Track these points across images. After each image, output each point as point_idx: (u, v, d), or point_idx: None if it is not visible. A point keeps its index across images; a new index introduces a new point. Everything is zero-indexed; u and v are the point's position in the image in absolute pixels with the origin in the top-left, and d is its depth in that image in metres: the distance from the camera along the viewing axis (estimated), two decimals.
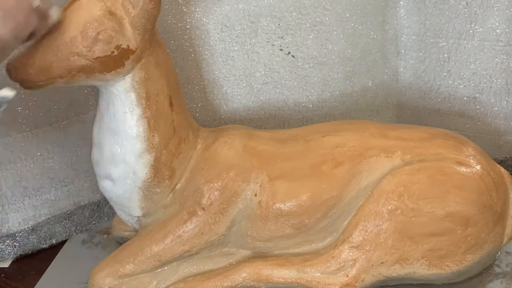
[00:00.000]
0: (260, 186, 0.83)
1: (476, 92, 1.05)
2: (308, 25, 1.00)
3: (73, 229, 1.02)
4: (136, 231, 0.90)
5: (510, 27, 0.98)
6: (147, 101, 0.80)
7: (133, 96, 0.79)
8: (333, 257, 0.82)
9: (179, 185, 0.86)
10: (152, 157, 0.82)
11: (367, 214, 0.81)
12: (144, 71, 0.79)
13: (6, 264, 0.97)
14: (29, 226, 0.98)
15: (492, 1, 0.98)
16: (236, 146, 0.86)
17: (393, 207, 0.80)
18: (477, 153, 0.85)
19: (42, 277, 0.93)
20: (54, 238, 1.01)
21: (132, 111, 0.79)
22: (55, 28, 0.73)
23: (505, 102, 1.04)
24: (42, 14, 0.69)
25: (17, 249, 0.98)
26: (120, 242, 0.95)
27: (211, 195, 0.83)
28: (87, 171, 1.00)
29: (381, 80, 1.10)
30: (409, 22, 1.06)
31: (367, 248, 0.81)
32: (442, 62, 1.06)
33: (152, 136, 0.81)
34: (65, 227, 1.02)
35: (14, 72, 0.72)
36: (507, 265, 0.87)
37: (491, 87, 1.04)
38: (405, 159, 0.83)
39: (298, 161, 0.85)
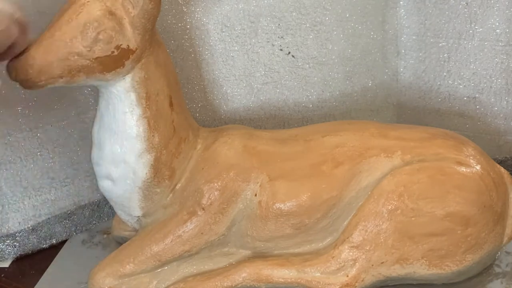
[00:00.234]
0: (260, 186, 0.83)
1: (476, 92, 1.05)
2: (308, 25, 1.00)
3: (73, 229, 1.03)
4: (136, 231, 0.90)
5: (510, 27, 0.98)
6: (147, 101, 0.80)
7: (133, 96, 0.79)
8: (333, 257, 0.82)
9: (179, 185, 0.86)
10: (152, 157, 0.82)
11: (367, 214, 0.81)
12: (144, 71, 0.79)
13: (6, 264, 0.97)
14: (29, 226, 0.98)
15: (492, 1, 0.98)
16: (236, 146, 0.86)
17: (393, 207, 0.80)
18: (477, 153, 0.85)
19: (42, 277, 0.93)
20: (54, 238, 1.01)
21: (132, 111, 0.79)
22: (55, 28, 0.73)
23: (505, 102, 1.04)
24: (22, 27, 0.69)
25: (17, 249, 0.98)
26: (120, 242, 0.95)
27: (211, 195, 0.83)
28: (87, 171, 1.00)
29: (381, 80, 1.10)
30: (409, 22, 1.06)
31: (367, 248, 0.81)
32: (442, 62, 1.06)
33: (152, 136, 0.81)
34: (65, 227, 1.02)
35: (14, 72, 0.72)
36: (507, 265, 0.87)
37: (491, 87, 1.04)
38: (405, 159, 0.83)
39: (298, 161, 0.85)
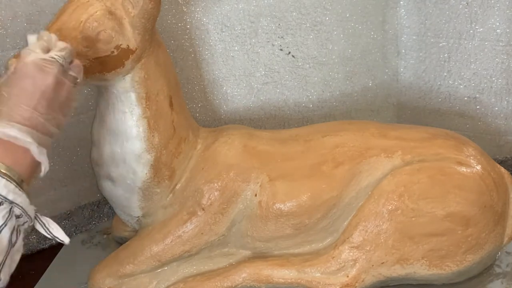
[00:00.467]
0: (260, 186, 0.83)
1: (477, 92, 1.05)
2: (308, 25, 1.00)
3: (73, 229, 1.02)
4: (136, 231, 0.90)
5: (511, 27, 0.98)
6: (147, 101, 0.80)
7: (133, 96, 0.79)
8: (333, 257, 0.82)
9: (179, 185, 0.86)
10: (152, 157, 0.82)
11: (367, 214, 0.81)
12: (144, 71, 0.79)
13: None
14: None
15: (492, 1, 0.98)
16: (236, 146, 0.86)
17: (393, 207, 0.80)
18: (478, 153, 0.85)
19: (42, 277, 0.93)
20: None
21: (132, 111, 0.79)
22: (55, 28, 0.73)
23: (505, 102, 1.04)
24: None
25: None
26: (120, 242, 0.95)
27: (211, 195, 0.83)
28: (87, 171, 1.00)
29: (381, 80, 1.10)
30: (409, 22, 1.06)
31: (367, 248, 0.81)
32: (443, 62, 1.06)
33: (152, 136, 0.81)
34: (65, 227, 1.01)
35: None
36: (507, 265, 0.87)
37: (491, 87, 1.04)
38: (406, 159, 0.83)
39: (298, 161, 0.85)
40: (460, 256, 0.81)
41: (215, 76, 1.02)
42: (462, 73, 1.05)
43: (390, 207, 0.80)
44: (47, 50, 0.66)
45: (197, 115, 1.04)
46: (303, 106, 1.06)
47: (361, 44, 1.05)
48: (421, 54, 1.07)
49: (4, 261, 0.58)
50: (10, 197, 0.60)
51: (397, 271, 0.81)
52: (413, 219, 0.80)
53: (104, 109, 0.81)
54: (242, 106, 1.05)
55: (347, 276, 0.81)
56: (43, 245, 1.00)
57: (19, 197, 0.61)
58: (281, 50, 1.02)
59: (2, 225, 0.58)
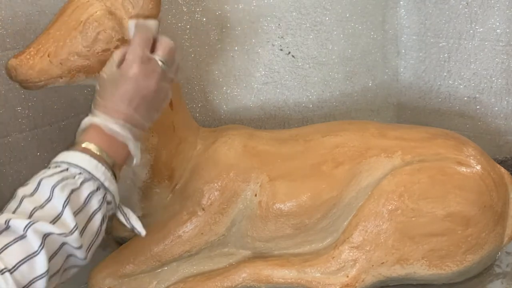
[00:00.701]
0: (260, 186, 0.83)
1: (476, 92, 1.05)
2: (308, 25, 1.00)
3: None
4: None
5: (511, 27, 0.98)
6: None
7: None
8: (333, 257, 0.82)
9: (179, 185, 0.86)
10: (151, 157, 0.82)
11: (367, 214, 0.81)
12: None
13: None
14: None
15: (492, 1, 0.98)
16: (236, 146, 0.86)
17: (393, 207, 0.80)
18: (478, 153, 0.85)
19: None
20: None
21: None
22: (55, 28, 0.73)
23: (505, 102, 1.04)
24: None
25: None
26: (120, 242, 0.95)
27: (211, 195, 0.83)
28: None
29: (381, 80, 1.10)
30: (409, 22, 1.06)
31: (367, 248, 0.81)
32: (442, 62, 1.06)
33: (152, 136, 0.81)
34: None
35: (15, 73, 0.72)
36: (507, 265, 0.87)
37: (491, 87, 1.04)
38: (406, 159, 0.83)
39: (298, 161, 0.85)
40: (460, 256, 0.81)
41: (215, 76, 1.02)
42: (462, 73, 1.05)
43: (390, 207, 0.80)
44: (151, 42, 0.70)
45: (197, 115, 1.04)
46: (303, 106, 1.06)
47: (361, 44, 1.05)
48: (421, 54, 1.07)
49: (93, 243, 0.63)
50: (106, 184, 0.64)
51: (397, 271, 0.81)
52: (413, 219, 0.80)
53: None
54: (242, 106, 1.05)
55: (347, 276, 0.81)
56: None
57: (112, 185, 0.65)
58: (281, 50, 1.01)
59: (96, 209, 0.63)
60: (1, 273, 0.53)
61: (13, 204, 0.59)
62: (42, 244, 0.56)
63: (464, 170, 0.81)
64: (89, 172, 0.63)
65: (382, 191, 0.81)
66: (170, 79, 0.72)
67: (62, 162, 0.63)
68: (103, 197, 0.64)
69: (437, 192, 0.80)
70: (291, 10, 0.99)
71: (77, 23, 0.73)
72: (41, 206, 0.59)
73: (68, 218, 0.59)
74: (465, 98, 1.06)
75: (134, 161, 0.70)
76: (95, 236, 0.63)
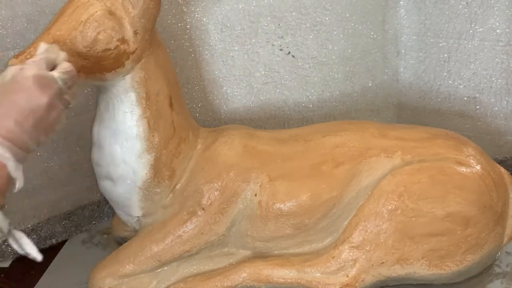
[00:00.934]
0: (260, 186, 0.83)
1: (476, 92, 1.05)
2: (308, 25, 1.00)
3: (73, 229, 1.02)
4: (136, 231, 0.90)
5: (510, 27, 0.98)
6: (147, 101, 0.80)
7: (133, 96, 0.79)
8: (333, 257, 0.82)
9: (179, 185, 0.86)
10: (152, 157, 0.82)
11: (367, 214, 0.81)
12: (144, 71, 0.79)
13: (6, 264, 0.97)
14: (29, 226, 0.98)
15: (492, 1, 0.98)
16: (236, 146, 0.86)
17: (393, 207, 0.80)
18: (477, 153, 0.85)
19: (42, 277, 0.93)
20: (54, 238, 1.01)
21: (132, 111, 0.79)
22: (55, 28, 0.73)
23: (505, 102, 1.04)
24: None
25: None
26: (120, 242, 0.95)
27: (211, 195, 0.83)
28: (87, 171, 1.00)
29: (381, 80, 1.10)
30: (409, 22, 1.06)
31: (367, 248, 0.81)
32: (442, 62, 1.06)
33: (152, 136, 0.81)
34: (65, 227, 1.02)
35: None
36: (507, 265, 0.87)
37: (491, 87, 1.04)
38: (406, 159, 0.83)
39: (298, 161, 0.85)
40: (460, 256, 0.81)
41: (215, 76, 1.02)
42: (462, 73, 1.05)
43: (390, 207, 0.80)
44: (52, 66, 0.66)
45: (197, 115, 1.04)
46: (303, 106, 1.06)
47: (361, 44, 1.05)
48: (421, 54, 1.07)
49: None
50: None
51: (397, 271, 0.81)
52: (413, 219, 0.80)
53: (104, 109, 0.81)
54: (242, 106, 1.05)
55: (347, 276, 0.81)
56: (43, 245, 1.00)
57: None
58: (281, 50, 1.02)
59: None
60: None
61: None
62: None
63: (464, 170, 0.81)
64: None
65: (382, 191, 0.81)
66: (67, 102, 0.67)
67: None
68: None
69: (437, 192, 0.80)
70: (291, 10, 0.99)
71: (77, 23, 0.73)
72: None
73: None
74: (465, 98, 1.06)
75: (17, 186, 0.63)
76: None
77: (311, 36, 1.01)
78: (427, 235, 0.80)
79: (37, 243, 0.98)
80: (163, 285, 0.84)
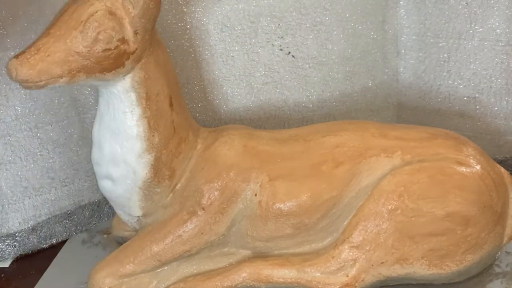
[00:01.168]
0: (260, 186, 0.83)
1: (476, 92, 1.05)
2: (308, 25, 1.00)
3: (73, 229, 1.02)
4: (136, 231, 0.90)
5: (510, 27, 0.98)
6: (147, 101, 0.80)
7: (133, 96, 0.79)
8: (333, 257, 0.82)
9: (179, 185, 0.86)
10: (152, 157, 0.82)
11: (367, 214, 0.81)
12: (144, 71, 0.79)
13: (6, 264, 0.97)
14: (29, 226, 0.98)
15: (492, 1, 0.98)
16: (236, 146, 0.86)
17: (393, 207, 0.80)
18: (477, 153, 0.85)
19: (42, 277, 0.93)
20: (54, 238, 1.01)
21: (132, 111, 0.79)
22: (55, 28, 0.73)
23: (505, 102, 1.04)
24: None
25: (17, 249, 0.98)
26: (120, 242, 0.95)
27: (211, 195, 0.83)
28: (87, 171, 1.00)
29: (381, 80, 1.10)
30: (409, 22, 1.06)
31: (367, 248, 0.81)
32: (442, 62, 1.06)
33: (152, 136, 0.81)
34: (65, 227, 1.02)
35: (15, 73, 0.72)
36: (507, 265, 0.87)
37: (491, 87, 1.04)
38: (405, 159, 0.83)
39: (298, 161, 0.85)
40: (459, 256, 0.81)
41: (215, 76, 1.02)
42: (462, 73, 1.05)
43: (390, 207, 0.80)
44: None
45: (197, 115, 1.04)
46: (303, 106, 1.06)
47: (361, 44, 1.05)
48: (421, 54, 1.07)
49: None
50: None
51: (396, 270, 0.82)
52: (412, 219, 0.80)
53: (104, 109, 0.81)
54: (242, 106, 1.05)
55: (347, 276, 0.81)
56: (43, 245, 1.00)
57: None
58: (281, 50, 1.02)
59: None
60: None
61: None
62: None
63: (464, 170, 0.82)
64: None
65: (382, 191, 0.81)
66: None
67: None
68: None
69: (437, 192, 0.80)
70: (291, 10, 0.99)
71: (78, 23, 0.73)
72: None
73: None
74: (465, 98, 1.06)
75: None
76: None
77: (311, 36, 1.01)
78: (427, 235, 0.80)
79: (37, 243, 0.99)
80: (163, 285, 0.84)
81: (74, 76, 0.74)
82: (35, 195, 0.97)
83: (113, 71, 0.76)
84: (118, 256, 0.85)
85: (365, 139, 0.85)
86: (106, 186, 0.85)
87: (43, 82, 0.73)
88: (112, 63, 0.75)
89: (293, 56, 1.02)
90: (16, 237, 0.97)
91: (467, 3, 1.00)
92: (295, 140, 0.88)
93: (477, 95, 1.05)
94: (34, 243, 0.99)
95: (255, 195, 0.83)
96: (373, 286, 0.83)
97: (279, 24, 1.00)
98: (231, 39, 1.00)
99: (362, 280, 0.81)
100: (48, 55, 0.72)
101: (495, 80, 1.03)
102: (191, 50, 1.00)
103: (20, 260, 0.98)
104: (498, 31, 0.99)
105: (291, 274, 0.83)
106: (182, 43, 0.99)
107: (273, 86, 1.04)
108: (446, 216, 0.80)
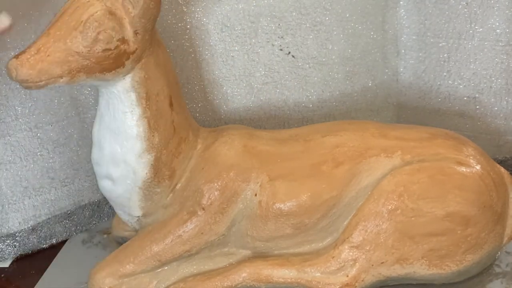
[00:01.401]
0: (260, 186, 0.83)
1: (476, 92, 1.05)
2: (308, 25, 1.00)
3: (73, 229, 1.03)
4: (136, 231, 0.90)
5: (510, 27, 0.98)
6: (147, 101, 0.80)
7: (133, 96, 0.79)
8: (333, 257, 0.82)
9: (179, 185, 0.86)
10: (152, 157, 0.82)
11: (367, 214, 0.81)
12: (144, 71, 0.79)
13: (6, 264, 0.97)
14: (29, 226, 0.98)
15: (492, 1, 0.98)
16: (236, 146, 0.86)
17: (393, 207, 0.80)
18: (477, 153, 0.85)
19: (42, 277, 0.93)
20: (54, 238, 1.01)
21: (132, 111, 0.79)
22: (55, 28, 0.73)
23: (505, 102, 1.04)
24: None
25: (17, 249, 0.98)
26: (120, 242, 0.95)
27: (211, 195, 0.83)
28: (87, 171, 1.00)
29: (381, 80, 1.10)
30: (409, 22, 1.06)
31: (367, 248, 0.81)
32: (442, 62, 1.06)
33: (152, 136, 0.81)
34: (65, 227, 1.02)
35: (15, 73, 0.72)
36: (507, 265, 0.87)
37: (491, 87, 1.04)
38: (405, 159, 0.83)
39: (298, 161, 0.85)
40: (459, 256, 0.81)
41: (215, 76, 1.02)
42: (462, 73, 1.05)
43: (390, 207, 0.80)
44: None
45: (197, 115, 1.04)
46: (303, 106, 1.06)
47: (361, 44, 1.05)
48: (420, 54, 1.07)
49: None
50: None
51: (396, 270, 0.82)
52: (412, 219, 0.80)
53: (104, 109, 0.81)
54: (242, 106, 1.05)
55: (347, 276, 0.81)
56: (43, 245, 1.00)
57: None
58: (281, 50, 1.02)
59: None
60: None
61: None
62: None
63: (464, 170, 0.82)
64: None
65: (382, 191, 0.81)
66: None
67: None
68: None
69: (437, 192, 0.80)
70: (291, 10, 0.99)
71: (78, 23, 0.73)
72: None
73: None
74: (465, 98, 1.06)
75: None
76: None
77: (311, 36, 1.01)
78: (427, 235, 0.80)
79: (37, 243, 0.99)
80: (163, 285, 0.84)
81: (74, 76, 0.74)
82: (35, 195, 0.98)
83: (113, 71, 0.76)
84: (118, 256, 0.85)
85: (365, 139, 0.85)
86: (106, 186, 0.85)
87: (43, 82, 0.73)
88: (112, 63, 0.75)
89: (293, 56, 1.02)
90: (16, 237, 0.97)
91: (467, 3, 1.00)
92: (295, 140, 0.88)
93: (477, 95, 1.05)
94: (34, 243, 0.99)
95: (255, 195, 0.83)
96: (373, 286, 0.83)
97: (279, 24, 1.00)
98: (231, 39, 1.00)
99: (362, 280, 0.81)
100: (48, 55, 0.72)
101: (495, 80, 1.03)
102: (191, 50, 1.00)
103: (20, 260, 0.98)
104: (498, 31, 0.99)
105: (291, 274, 0.83)
106: (182, 43, 0.99)
107: (273, 86, 1.04)
108: (446, 216, 0.80)
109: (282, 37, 1.01)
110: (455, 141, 0.86)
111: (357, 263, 0.81)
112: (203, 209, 0.83)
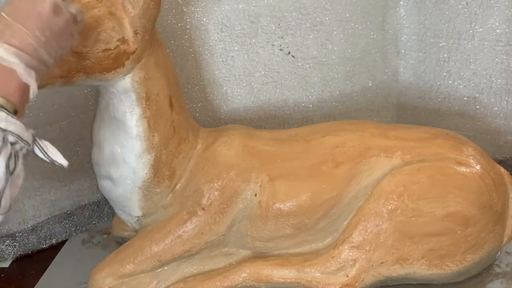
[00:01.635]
0: (260, 186, 0.83)
1: (476, 92, 1.05)
2: (308, 25, 1.00)
3: (73, 229, 1.03)
4: (136, 231, 0.90)
5: (510, 27, 0.98)
6: (147, 101, 0.80)
7: (133, 96, 0.79)
8: (333, 257, 0.82)
9: (179, 185, 0.86)
10: (152, 157, 0.82)
11: (367, 214, 0.81)
12: (144, 71, 0.79)
13: (6, 264, 0.97)
14: (29, 226, 0.98)
15: (492, 1, 0.98)
16: (236, 146, 0.86)
17: (393, 207, 0.80)
18: (477, 153, 0.85)
19: (42, 277, 0.93)
20: (54, 238, 1.01)
21: (132, 111, 0.79)
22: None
23: (505, 102, 1.04)
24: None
25: (17, 249, 0.98)
26: (120, 242, 0.95)
27: (211, 195, 0.83)
28: (87, 171, 1.00)
29: (381, 80, 1.10)
30: (409, 22, 1.06)
31: (367, 248, 0.81)
32: (442, 62, 1.06)
33: (152, 136, 0.81)
34: (65, 227, 1.02)
35: None
36: (507, 265, 0.87)
37: (491, 87, 1.04)
38: (405, 159, 0.83)
39: (298, 161, 0.85)
40: (459, 256, 0.81)
41: (215, 76, 1.02)
42: (462, 73, 1.05)
43: (389, 207, 0.80)
44: None
45: (197, 115, 1.04)
46: (303, 106, 1.06)
47: (361, 44, 1.05)
48: (420, 54, 1.07)
49: (4, 189, 0.58)
50: (2, 125, 0.57)
51: (396, 270, 0.81)
52: (412, 219, 0.80)
53: (104, 109, 0.81)
54: (242, 106, 1.05)
55: (347, 276, 0.81)
56: (43, 245, 1.00)
57: (12, 125, 0.58)
58: (281, 50, 1.02)
59: None
60: None
61: None
62: None
63: (464, 170, 0.81)
64: None
65: (381, 191, 0.81)
66: (73, 15, 0.65)
67: None
68: (2, 139, 0.57)
69: (437, 192, 0.80)
70: (291, 10, 0.99)
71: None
72: None
73: None
74: (465, 98, 1.06)
75: (31, 92, 0.61)
76: (4, 182, 0.58)
77: (311, 36, 1.01)
78: (427, 235, 0.80)
79: (37, 243, 0.99)
80: (163, 285, 0.84)
81: (74, 76, 0.74)
82: (35, 195, 0.98)
83: (113, 71, 0.76)
84: (118, 256, 0.85)
85: (365, 139, 0.85)
86: (106, 186, 0.85)
87: (42, 82, 0.73)
88: (112, 63, 0.75)
89: (293, 56, 1.02)
90: (16, 237, 0.97)
91: (467, 3, 1.00)
92: (295, 140, 0.88)
93: (477, 95, 1.05)
94: (34, 243, 0.99)
95: (255, 195, 0.83)
96: (373, 286, 0.83)
97: (279, 24, 1.00)
98: (231, 39, 1.00)
99: (362, 280, 0.81)
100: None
101: (495, 80, 1.03)
102: (191, 50, 1.00)
103: (20, 260, 0.98)
104: (498, 31, 0.99)
105: (291, 274, 0.83)
106: (182, 43, 0.99)
107: (273, 86, 1.04)
108: (446, 216, 0.80)
109: (282, 37, 1.01)
110: (455, 141, 0.86)
111: (357, 263, 0.81)
112: (203, 209, 0.83)
